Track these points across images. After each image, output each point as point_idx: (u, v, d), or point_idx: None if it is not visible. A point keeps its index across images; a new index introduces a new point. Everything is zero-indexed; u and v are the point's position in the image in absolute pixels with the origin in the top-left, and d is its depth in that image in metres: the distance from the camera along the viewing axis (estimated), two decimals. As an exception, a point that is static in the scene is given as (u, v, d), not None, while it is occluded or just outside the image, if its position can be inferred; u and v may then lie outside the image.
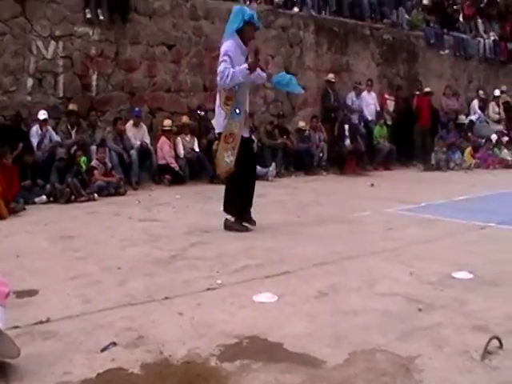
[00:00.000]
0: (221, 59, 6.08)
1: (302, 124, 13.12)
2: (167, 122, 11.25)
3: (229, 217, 6.43)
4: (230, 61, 6.01)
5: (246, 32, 6.23)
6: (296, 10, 14.15)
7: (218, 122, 6.31)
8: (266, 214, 7.43)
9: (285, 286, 4.22)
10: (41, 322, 3.46)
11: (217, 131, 6.38)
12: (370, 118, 14.66)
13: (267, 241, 5.76)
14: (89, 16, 10.85)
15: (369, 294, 4.04)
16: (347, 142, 13.36)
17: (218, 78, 6.02)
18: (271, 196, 9.25)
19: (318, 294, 4.01)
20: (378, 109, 14.94)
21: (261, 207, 8.00)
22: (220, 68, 6.01)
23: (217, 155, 6.30)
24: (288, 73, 6.98)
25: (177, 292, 4.06)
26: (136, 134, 10.96)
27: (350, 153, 13.22)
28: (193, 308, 3.73)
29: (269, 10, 13.47)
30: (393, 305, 3.78)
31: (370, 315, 3.58)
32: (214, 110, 11.75)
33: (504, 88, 18.23)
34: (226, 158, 6.14)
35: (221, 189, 9.99)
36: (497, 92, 17.73)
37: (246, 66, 6.03)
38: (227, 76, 5.94)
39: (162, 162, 10.90)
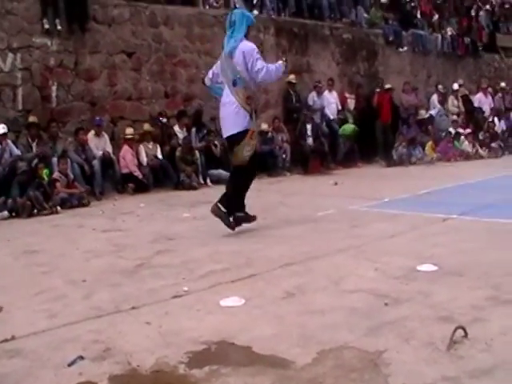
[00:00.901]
0: (255, 57, 6.23)
1: (264, 126, 13.12)
2: (129, 131, 11.17)
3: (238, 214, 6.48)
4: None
5: (247, 35, 6.49)
6: (255, 12, 14.12)
7: (237, 122, 6.30)
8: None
9: (251, 288, 4.23)
10: (6, 340, 3.41)
11: (235, 131, 6.32)
12: (331, 117, 14.74)
13: (233, 244, 5.77)
14: (47, 27, 10.70)
15: (335, 292, 4.07)
16: (310, 141, 13.42)
17: (262, 74, 6.21)
18: (236, 199, 9.22)
19: (285, 295, 4.03)
20: (340, 107, 15.04)
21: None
22: (258, 65, 6.19)
23: (237, 150, 6.36)
24: None
25: (143, 301, 4.04)
26: (98, 144, 10.85)
27: (313, 152, 13.27)
28: (160, 317, 3.71)
29: (228, 13, 13.42)
30: (359, 301, 3.81)
31: (337, 313, 3.61)
32: (175, 117, 11.93)
33: (462, 82, 18.51)
34: (246, 152, 6.29)
35: (185, 195, 10.12)
36: (455, 86, 17.98)
37: (281, 63, 6.41)
38: (269, 72, 6.24)
39: (125, 170, 10.81)
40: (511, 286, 3.99)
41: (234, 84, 6.24)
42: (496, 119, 18.09)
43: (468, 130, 16.38)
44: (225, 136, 6.57)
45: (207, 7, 13.35)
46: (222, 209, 6.34)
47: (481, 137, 16.57)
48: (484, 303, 3.67)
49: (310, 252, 5.21)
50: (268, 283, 4.35)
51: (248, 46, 6.32)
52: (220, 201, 6.38)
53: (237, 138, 6.27)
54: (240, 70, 6.23)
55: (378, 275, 4.40)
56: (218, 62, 6.56)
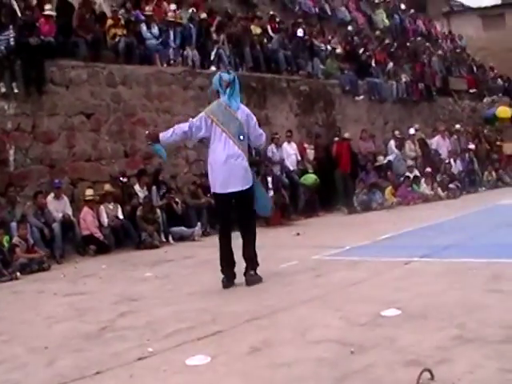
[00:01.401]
0: (255, 121, 6.66)
1: (225, 181, 13.16)
2: (89, 192, 11.09)
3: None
4: None
5: None
6: (213, 68, 14.32)
7: (247, 178, 6.46)
8: (196, 275, 7.46)
9: (217, 345, 4.19)
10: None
11: (246, 187, 6.44)
12: (291, 168, 14.87)
13: (198, 302, 5.72)
14: (3, 90, 10.65)
15: (301, 343, 4.05)
16: (271, 194, 13.47)
17: (263, 138, 6.85)
18: (199, 256, 9.18)
19: (251, 350, 4.00)
20: (299, 158, 15.20)
21: (189, 269, 8.03)
22: (260, 130, 6.79)
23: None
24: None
25: (108, 365, 3.96)
26: (57, 207, 10.73)
27: (274, 204, 13.30)
28: (125, 380, 3.65)
29: (186, 71, 13.60)
30: (326, 351, 3.80)
31: (303, 365, 3.59)
32: (135, 176, 11.91)
33: (417, 126, 18.91)
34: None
35: (147, 254, 10.03)
36: (411, 130, 18.35)
37: None
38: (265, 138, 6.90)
39: (85, 232, 10.68)
40: (474, 324, 4.04)
41: (240, 138, 6.35)
42: (452, 161, 18.49)
43: (428, 169, 16.68)
44: (231, 190, 6.43)
45: (165, 65, 13.49)
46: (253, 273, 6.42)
47: (439, 179, 16.86)
48: (449, 343, 3.70)
49: (274, 305, 5.19)
50: (234, 339, 4.32)
51: (247, 109, 6.72)
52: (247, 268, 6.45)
53: (247, 193, 6.39)
54: (244, 128, 6.39)
55: (343, 323, 4.40)
56: (201, 116, 6.46)
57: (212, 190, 6.62)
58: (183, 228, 11.55)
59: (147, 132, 7.18)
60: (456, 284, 5.37)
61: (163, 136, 6.47)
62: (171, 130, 6.50)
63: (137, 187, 11.79)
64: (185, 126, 6.47)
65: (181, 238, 11.37)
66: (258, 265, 6.47)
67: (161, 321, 5.09)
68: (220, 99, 6.51)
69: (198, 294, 6.13)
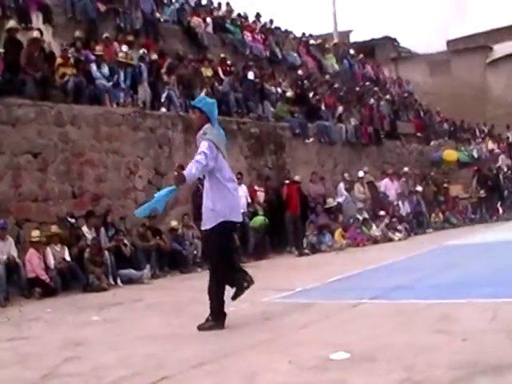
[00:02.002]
0: None
1: (174, 223, 13.06)
2: (35, 233, 10.82)
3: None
4: None
5: None
6: (163, 110, 14.35)
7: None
8: (143, 318, 7.31)
9: (163, 393, 4.08)
10: None
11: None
12: (241, 211, 14.83)
13: (145, 347, 5.57)
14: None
15: (250, 389, 3.98)
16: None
17: None
18: (148, 299, 9.04)
19: (198, 397, 3.90)
20: (250, 201, 15.21)
21: (137, 312, 7.88)
22: None
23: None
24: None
25: (49, 415, 3.81)
26: (2, 248, 10.42)
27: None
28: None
29: (136, 111, 13.55)
30: (274, 397, 3.73)
31: (251, 411, 3.52)
32: (83, 217, 11.70)
33: (366, 169, 19.19)
34: None
35: (94, 297, 9.82)
36: (361, 173, 18.61)
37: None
38: None
39: (31, 274, 10.39)
40: (423, 366, 4.02)
41: None
42: (401, 203, 18.79)
43: (382, 212, 16.90)
44: (239, 220, 6.40)
45: (115, 106, 13.42)
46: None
47: (387, 220, 17.08)
48: (398, 387, 3.67)
49: (223, 349, 5.10)
50: (181, 385, 4.22)
51: None
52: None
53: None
54: None
55: (292, 368, 4.34)
56: (209, 144, 6.02)
57: (223, 219, 6.05)
58: (132, 270, 11.39)
59: (175, 173, 6.58)
60: (404, 325, 5.38)
61: (188, 176, 5.86)
62: (192, 166, 5.87)
63: (85, 228, 11.58)
64: (202, 159, 5.91)
65: (129, 281, 11.20)
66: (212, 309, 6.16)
67: (106, 367, 4.93)
68: (213, 125, 6.28)
69: (146, 339, 5.98)
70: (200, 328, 6.06)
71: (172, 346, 5.47)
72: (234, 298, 6.34)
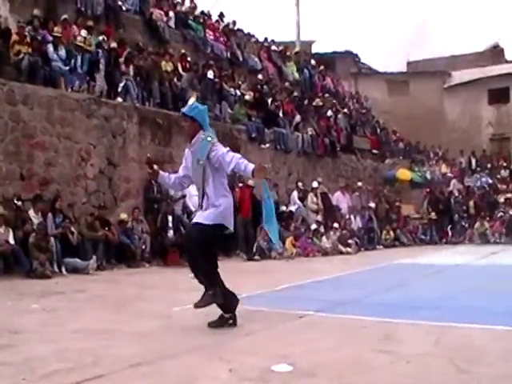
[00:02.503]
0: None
1: (124, 216, 12.86)
2: (-21, 213, 10.52)
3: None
4: None
5: None
6: (119, 100, 14.10)
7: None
8: (84, 310, 7.11)
9: (97, 391, 3.92)
10: None
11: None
12: (193, 209, 14.68)
13: (82, 341, 5.38)
14: None
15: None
16: (170, 233, 13.28)
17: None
18: (91, 291, 8.84)
19: (131, 399, 3.75)
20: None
21: (79, 303, 7.67)
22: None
23: None
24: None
25: (-27, 406, 3.62)
26: None
27: (173, 244, 13.11)
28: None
29: (91, 98, 13.26)
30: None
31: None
32: (30, 200, 11.37)
33: (320, 180, 19.26)
34: None
35: (37, 284, 9.53)
36: (315, 183, 18.67)
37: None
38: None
39: (-28, 257, 10.11)
40: (362, 386, 3.97)
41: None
42: (352, 217, 18.90)
43: (335, 225, 16.96)
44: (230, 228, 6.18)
45: (70, 90, 13.10)
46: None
47: (338, 233, 17.14)
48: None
49: (162, 351, 4.95)
50: (115, 385, 4.06)
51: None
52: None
53: None
54: None
55: (231, 377, 4.22)
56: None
57: (222, 222, 6.00)
58: (77, 260, 11.18)
59: (260, 167, 5.86)
60: (348, 342, 5.33)
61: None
62: (243, 162, 5.74)
63: (31, 212, 11.28)
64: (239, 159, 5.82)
65: (74, 270, 10.98)
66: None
67: (40, 358, 4.73)
68: (210, 131, 6.14)
69: (84, 332, 5.79)
70: (196, 306, 5.92)
71: (110, 343, 5.30)
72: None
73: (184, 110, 6.21)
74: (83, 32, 14.45)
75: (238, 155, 5.87)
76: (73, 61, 13.66)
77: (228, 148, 6.00)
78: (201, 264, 6.04)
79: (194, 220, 6.14)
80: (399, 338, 5.46)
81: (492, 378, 4.11)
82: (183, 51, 18.42)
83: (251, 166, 5.66)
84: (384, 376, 4.22)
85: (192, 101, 6.36)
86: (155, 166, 6.37)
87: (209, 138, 5.97)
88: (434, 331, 5.65)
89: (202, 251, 6.00)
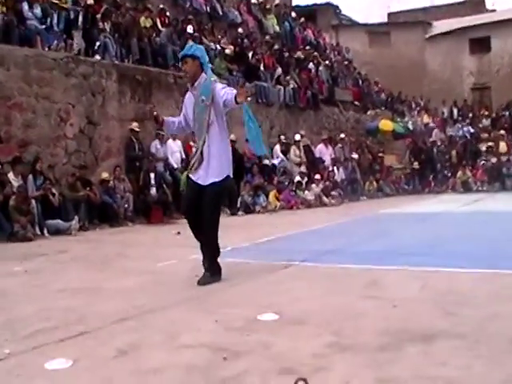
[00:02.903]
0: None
1: (105, 175, 12.73)
2: (-44, 174, 10.35)
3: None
4: None
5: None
6: (98, 57, 13.82)
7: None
8: (67, 270, 7.04)
9: (81, 348, 3.86)
10: None
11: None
12: (175, 166, 14.62)
13: (65, 300, 5.33)
14: None
15: (171, 347, 3.80)
16: (153, 191, 13.19)
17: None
18: (74, 251, 8.78)
19: (117, 354, 3.70)
20: (184, 156, 14.96)
21: (62, 264, 7.60)
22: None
23: None
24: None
25: (-45, 367, 3.55)
26: None
27: (156, 202, 13.04)
28: (-29, 385, 3.26)
29: (69, 57, 12.97)
30: (197, 357, 3.57)
31: (172, 371, 3.34)
32: (9, 163, 11.19)
33: (303, 132, 19.18)
34: None
35: (19, 246, 9.45)
36: (297, 136, 18.61)
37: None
38: None
39: (-49, 219, 9.98)
40: (351, 331, 3.95)
41: None
42: (336, 168, 18.89)
43: (317, 176, 16.94)
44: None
45: (46, 49, 12.80)
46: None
47: (322, 185, 17.15)
48: (325, 351, 3.56)
49: (146, 305, 4.91)
50: (99, 341, 4.00)
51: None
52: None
53: None
54: None
55: (217, 327, 4.19)
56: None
57: (229, 174, 5.94)
58: (59, 221, 11.06)
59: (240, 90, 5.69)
60: (334, 290, 5.31)
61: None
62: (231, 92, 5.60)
63: (11, 175, 11.10)
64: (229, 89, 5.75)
65: (57, 232, 10.88)
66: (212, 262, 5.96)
67: (23, 319, 4.66)
68: (207, 73, 5.92)
69: (68, 292, 5.73)
70: (200, 283, 5.72)
71: (94, 300, 5.25)
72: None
73: (182, 52, 6.08)
74: (59, -11, 14.09)
75: (229, 88, 5.76)
76: (49, 19, 13.36)
77: (225, 85, 5.89)
78: (214, 229, 5.88)
79: (205, 179, 5.82)
80: (385, 283, 5.46)
81: (479, 319, 4.10)
82: (162, 6, 18.06)
83: (234, 92, 5.53)
84: (371, 320, 4.21)
85: (190, 43, 6.21)
86: (160, 117, 6.20)
87: (212, 78, 5.87)
88: (420, 276, 5.66)
89: (218, 214, 5.98)
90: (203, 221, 5.78)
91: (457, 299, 4.69)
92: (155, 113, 6.30)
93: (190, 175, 5.96)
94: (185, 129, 6.33)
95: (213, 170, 5.78)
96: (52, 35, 13.15)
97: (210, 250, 5.91)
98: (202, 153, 5.84)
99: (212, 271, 5.86)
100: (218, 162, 5.78)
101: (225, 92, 5.65)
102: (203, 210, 5.74)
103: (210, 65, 6.13)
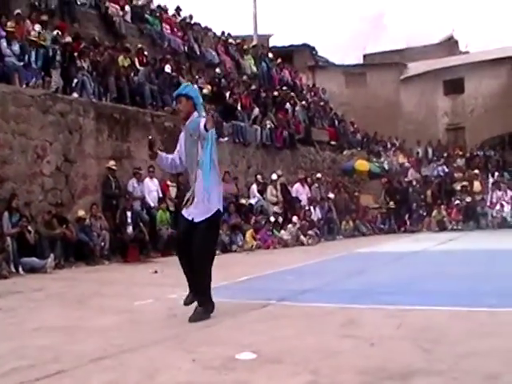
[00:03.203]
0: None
1: (81, 213, 12.65)
2: None
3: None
4: None
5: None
6: (75, 95, 13.86)
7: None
8: (43, 308, 6.98)
9: (57, 387, 3.83)
10: None
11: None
12: (152, 205, 14.60)
13: (41, 338, 5.26)
14: None
15: (149, 386, 3.78)
16: (130, 229, 13.13)
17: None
18: (49, 289, 8.68)
19: (94, 393, 3.67)
20: (161, 195, 14.95)
21: (37, 302, 7.51)
22: None
23: None
24: None
25: None
26: None
27: (132, 241, 12.99)
28: None
29: (46, 94, 12.99)
30: (175, 396, 3.56)
31: (150, 410, 3.33)
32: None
33: (280, 172, 19.28)
34: None
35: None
36: (274, 176, 18.71)
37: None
38: None
39: None
40: (329, 370, 3.95)
41: None
42: (312, 208, 18.98)
43: (294, 218, 17.00)
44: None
45: (24, 86, 12.82)
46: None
47: (298, 225, 17.19)
48: (301, 390, 3.58)
49: (123, 345, 4.87)
50: (76, 380, 3.96)
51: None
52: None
53: None
54: None
55: (195, 366, 4.17)
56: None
57: (219, 208, 6.10)
58: (35, 259, 10.95)
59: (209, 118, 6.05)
60: (311, 328, 5.32)
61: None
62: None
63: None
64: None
65: (32, 270, 10.76)
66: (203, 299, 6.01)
67: (-1, 357, 4.62)
68: (200, 113, 6.10)
69: (44, 330, 5.67)
70: (191, 320, 5.77)
71: (70, 339, 5.20)
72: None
73: (177, 91, 6.31)
74: (37, 27, 14.20)
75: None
76: (27, 56, 13.40)
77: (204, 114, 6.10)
78: (207, 265, 6.00)
79: (196, 215, 5.94)
80: (362, 322, 5.48)
81: (455, 356, 4.14)
82: (140, 46, 18.21)
83: (203, 121, 5.75)
84: (349, 359, 4.22)
85: (184, 83, 6.39)
86: (155, 148, 6.36)
87: (203, 115, 6.05)
88: (396, 315, 5.68)
89: (212, 250, 6.19)
90: (194, 257, 5.86)
91: (433, 337, 4.73)
92: (151, 137, 6.46)
93: (183, 212, 6.10)
94: (177, 167, 6.45)
95: (203, 206, 5.90)
96: (30, 72, 13.16)
97: (203, 286, 5.94)
98: (193, 190, 6.00)
99: (205, 307, 5.91)
100: (208, 198, 5.89)
101: (201, 121, 5.83)
102: (195, 247, 5.83)
103: (202, 106, 6.33)
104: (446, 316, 5.59)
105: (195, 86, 6.51)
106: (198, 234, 5.84)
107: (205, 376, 3.93)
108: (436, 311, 5.83)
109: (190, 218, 5.96)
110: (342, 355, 4.34)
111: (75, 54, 14.55)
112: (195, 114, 6.05)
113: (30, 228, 11.27)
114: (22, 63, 13.11)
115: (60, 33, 14.82)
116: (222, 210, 6.15)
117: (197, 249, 5.83)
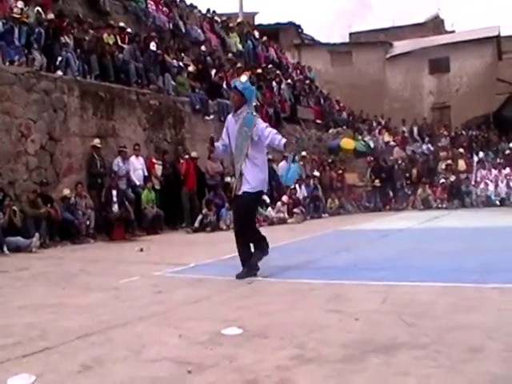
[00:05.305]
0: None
1: (66, 192, 12.60)
2: None
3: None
4: None
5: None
6: (60, 73, 13.71)
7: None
8: (29, 287, 6.97)
9: (44, 363, 3.82)
10: None
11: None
12: (138, 183, 14.57)
13: (27, 316, 5.27)
14: None
15: (136, 362, 3.80)
16: (115, 207, 13.11)
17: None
18: (35, 268, 8.65)
19: (81, 369, 3.68)
20: (146, 173, 14.92)
21: (23, 281, 7.50)
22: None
23: None
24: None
25: None
26: None
27: (118, 219, 12.97)
28: None
29: (30, 72, 12.85)
30: (161, 370, 3.58)
31: (137, 385, 3.35)
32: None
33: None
34: None
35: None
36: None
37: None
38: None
39: None
40: (315, 344, 3.99)
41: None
42: (298, 186, 18.98)
43: (284, 198, 17.01)
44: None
45: (7, 64, 12.66)
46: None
47: (284, 202, 17.22)
48: (289, 363, 3.61)
49: (110, 321, 4.89)
50: (63, 356, 3.97)
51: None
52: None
53: None
54: None
55: (181, 342, 4.20)
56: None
57: (262, 188, 6.94)
58: (20, 238, 10.90)
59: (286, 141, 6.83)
60: (297, 304, 5.35)
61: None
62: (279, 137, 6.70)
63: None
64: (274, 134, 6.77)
65: (17, 249, 10.72)
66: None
67: (-17, 336, 4.62)
68: (252, 107, 7.06)
69: (30, 308, 5.66)
70: (238, 277, 6.71)
71: (56, 317, 5.20)
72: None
73: (236, 83, 6.97)
74: (20, 3, 13.94)
75: (273, 130, 6.78)
76: (10, 33, 13.20)
77: (267, 124, 6.92)
78: (252, 229, 6.99)
79: (240, 188, 6.75)
80: (347, 297, 5.53)
81: (438, 329, 4.19)
82: (122, 24, 17.94)
83: (283, 141, 6.56)
84: (334, 333, 4.26)
85: (244, 78, 7.11)
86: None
87: (254, 113, 6.88)
88: (381, 290, 5.73)
89: (252, 218, 7.16)
90: (238, 224, 6.91)
91: (417, 311, 4.78)
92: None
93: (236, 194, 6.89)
94: (230, 153, 7.15)
95: (247, 182, 6.71)
96: (13, 50, 12.98)
97: (251, 243, 6.94)
98: (240, 173, 6.77)
99: (250, 267, 6.82)
100: (253, 178, 6.73)
101: (269, 132, 6.65)
102: (236, 214, 6.99)
103: (254, 103, 7.33)
104: (430, 291, 5.64)
105: (251, 86, 7.09)
106: (239, 202, 6.81)
107: (191, 351, 3.96)
108: (420, 287, 5.89)
109: (237, 194, 6.84)
110: (327, 329, 4.38)
111: (59, 31, 14.36)
112: (245, 107, 6.78)
113: (14, 207, 11.21)
114: (4, 40, 12.92)
115: (43, 9, 14.60)
116: (264, 190, 7.09)
117: (239, 215, 6.92)
